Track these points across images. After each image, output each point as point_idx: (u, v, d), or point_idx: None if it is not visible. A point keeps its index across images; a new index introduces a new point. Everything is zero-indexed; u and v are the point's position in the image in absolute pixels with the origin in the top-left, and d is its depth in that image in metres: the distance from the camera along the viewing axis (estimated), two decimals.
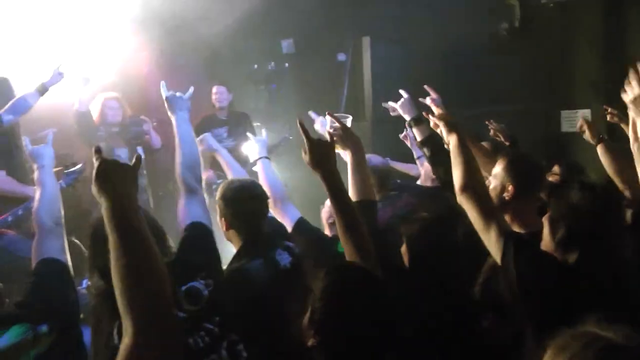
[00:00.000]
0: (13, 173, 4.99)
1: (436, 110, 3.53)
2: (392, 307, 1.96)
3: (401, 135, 5.12)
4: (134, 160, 1.97)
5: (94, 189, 1.83)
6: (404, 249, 3.20)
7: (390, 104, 3.80)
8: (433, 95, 3.73)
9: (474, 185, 2.55)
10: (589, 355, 1.35)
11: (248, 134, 4.15)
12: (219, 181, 5.46)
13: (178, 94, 3.14)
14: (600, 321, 1.42)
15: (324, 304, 1.92)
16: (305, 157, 2.51)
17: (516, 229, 2.69)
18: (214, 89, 6.85)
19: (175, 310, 2.19)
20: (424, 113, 3.38)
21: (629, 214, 2.95)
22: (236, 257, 2.96)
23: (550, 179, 3.82)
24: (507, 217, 2.68)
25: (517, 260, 2.24)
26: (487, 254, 2.44)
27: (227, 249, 3.05)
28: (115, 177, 1.85)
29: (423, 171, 4.48)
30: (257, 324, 2.59)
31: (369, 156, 4.19)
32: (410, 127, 3.63)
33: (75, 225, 2.74)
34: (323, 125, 4.35)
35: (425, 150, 3.46)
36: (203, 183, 2.88)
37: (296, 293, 2.61)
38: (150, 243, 1.75)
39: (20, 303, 2.31)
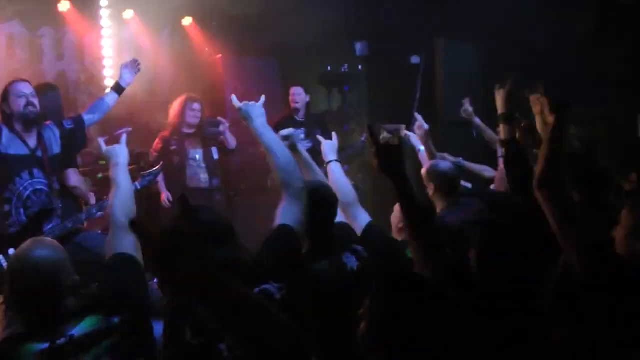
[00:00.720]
0: None
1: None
2: (451, 319, 1.92)
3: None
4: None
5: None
6: (472, 254, 3.15)
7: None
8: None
9: (555, 180, 2.47)
10: None
11: (318, 136, 4.17)
12: None
13: (251, 103, 3.10)
14: None
15: (374, 313, 1.92)
16: (375, 162, 2.48)
17: None
18: (292, 90, 6.86)
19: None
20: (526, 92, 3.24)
21: None
22: (305, 259, 2.98)
23: (627, 186, 3.69)
24: None
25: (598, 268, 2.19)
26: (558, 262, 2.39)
27: None
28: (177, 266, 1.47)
29: (498, 175, 4.39)
30: (325, 325, 2.61)
31: (434, 162, 4.15)
32: (498, 123, 3.53)
33: (146, 222, 2.80)
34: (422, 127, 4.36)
35: (503, 150, 3.40)
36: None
37: (362, 297, 2.64)
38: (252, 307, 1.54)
39: (94, 295, 2.39)
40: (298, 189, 2.76)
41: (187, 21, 7.92)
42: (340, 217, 3.28)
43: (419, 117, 4.32)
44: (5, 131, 4.49)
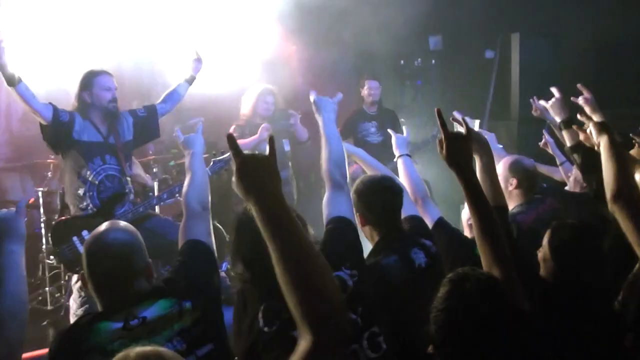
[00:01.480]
0: None
1: (588, 110, 3.37)
2: (520, 323, 1.88)
3: (541, 143, 4.88)
4: (267, 149, 1.89)
5: (238, 190, 1.76)
6: (541, 255, 3.08)
7: (542, 102, 3.65)
8: (586, 94, 3.54)
9: (629, 192, 2.41)
10: None
11: (389, 130, 4.16)
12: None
13: (325, 97, 3.18)
14: None
15: (441, 314, 1.89)
16: (441, 152, 2.44)
17: None
18: (368, 83, 6.83)
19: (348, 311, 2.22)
20: (578, 115, 3.21)
21: None
22: (372, 253, 2.99)
23: None
24: None
25: None
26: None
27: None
28: (256, 175, 1.76)
29: (572, 177, 4.29)
30: (394, 318, 2.60)
31: (517, 157, 4.08)
32: (560, 129, 3.48)
33: (218, 210, 2.86)
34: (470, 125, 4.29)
35: (575, 156, 3.31)
36: (348, 178, 2.92)
37: (430, 293, 2.61)
38: (306, 240, 1.68)
39: (167, 279, 2.44)
40: (344, 184, 2.80)
41: (263, 12, 7.98)
42: (413, 211, 3.26)
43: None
44: (78, 119, 4.61)
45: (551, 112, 3.55)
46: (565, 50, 6.96)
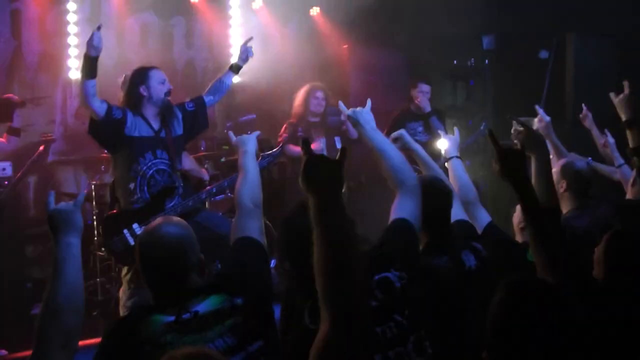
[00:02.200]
0: None
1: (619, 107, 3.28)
2: (578, 333, 1.84)
3: (600, 142, 4.77)
4: (338, 154, 1.99)
5: (301, 183, 1.89)
6: (596, 256, 3.02)
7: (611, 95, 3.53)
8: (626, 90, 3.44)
9: None
10: None
11: (439, 131, 4.12)
12: None
13: (358, 109, 3.14)
14: None
15: (497, 321, 1.86)
16: (495, 167, 2.43)
17: None
18: (420, 86, 6.70)
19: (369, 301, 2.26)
20: None
21: None
22: (422, 254, 2.97)
23: None
24: None
25: None
26: None
27: None
28: (322, 174, 1.88)
29: (630, 183, 4.17)
30: (441, 322, 2.58)
31: (571, 159, 4.00)
32: (626, 128, 3.39)
33: (266, 207, 2.89)
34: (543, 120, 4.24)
35: (636, 159, 3.23)
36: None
37: (480, 297, 2.58)
38: (352, 239, 1.83)
39: (220, 274, 2.49)
40: (412, 186, 2.76)
41: (315, 11, 8.04)
42: (462, 215, 3.23)
43: (540, 110, 4.17)
44: (130, 115, 4.65)
45: (618, 108, 3.44)
46: (622, 51, 6.80)
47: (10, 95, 5.82)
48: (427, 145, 6.03)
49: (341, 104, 3.29)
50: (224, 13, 7.74)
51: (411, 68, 7.63)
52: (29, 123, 6.54)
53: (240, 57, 5.15)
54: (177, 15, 7.60)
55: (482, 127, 6.82)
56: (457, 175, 3.53)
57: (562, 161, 3.95)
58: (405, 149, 3.51)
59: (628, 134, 3.31)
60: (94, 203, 6.23)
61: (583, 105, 4.34)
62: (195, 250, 2.42)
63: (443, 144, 3.86)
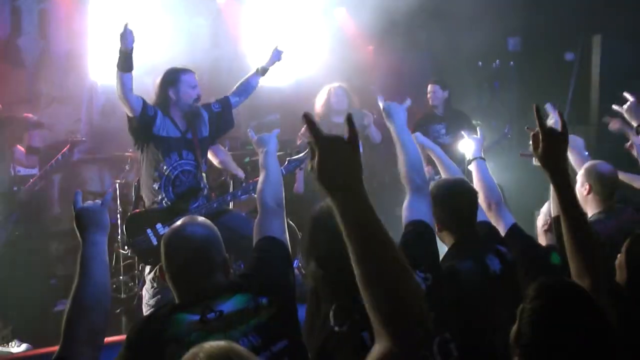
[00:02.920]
0: None
1: (627, 117, 3.25)
2: (614, 341, 1.81)
3: (627, 145, 4.69)
4: (347, 134, 1.62)
5: (315, 184, 1.61)
6: (618, 261, 2.99)
7: (615, 107, 3.52)
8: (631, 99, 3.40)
9: None
10: None
11: (463, 132, 4.10)
12: (436, 177, 5.46)
13: (394, 103, 3.17)
14: None
15: (533, 327, 1.82)
16: (536, 151, 2.28)
17: None
18: (429, 87, 6.80)
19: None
20: None
21: None
22: (447, 257, 2.96)
23: None
24: None
25: None
26: None
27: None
28: (339, 170, 1.57)
29: None
30: (466, 325, 2.57)
31: (596, 162, 3.94)
32: (638, 134, 3.36)
33: (290, 208, 2.89)
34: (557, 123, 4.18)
35: None
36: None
37: (505, 300, 2.57)
38: (390, 241, 1.59)
39: (244, 274, 2.50)
40: (420, 185, 2.77)
41: (340, 12, 8.03)
42: (482, 216, 3.21)
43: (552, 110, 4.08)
44: (159, 114, 4.68)
45: (627, 116, 3.42)
46: None
47: (28, 115, 5.79)
48: (450, 148, 6.04)
49: (380, 98, 3.29)
50: (249, 11, 7.75)
51: (436, 70, 7.61)
52: (55, 121, 6.60)
53: (270, 60, 5.19)
54: (201, 15, 7.63)
55: (505, 130, 6.78)
56: (481, 177, 3.51)
57: (587, 163, 3.89)
58: (424, 149, 3.52)
59: None
60: (118, 202, 6.28)
61: (613, 106, 4.27)
62: (220, 249, 2.43)
63: (467, 146, 3.84)
